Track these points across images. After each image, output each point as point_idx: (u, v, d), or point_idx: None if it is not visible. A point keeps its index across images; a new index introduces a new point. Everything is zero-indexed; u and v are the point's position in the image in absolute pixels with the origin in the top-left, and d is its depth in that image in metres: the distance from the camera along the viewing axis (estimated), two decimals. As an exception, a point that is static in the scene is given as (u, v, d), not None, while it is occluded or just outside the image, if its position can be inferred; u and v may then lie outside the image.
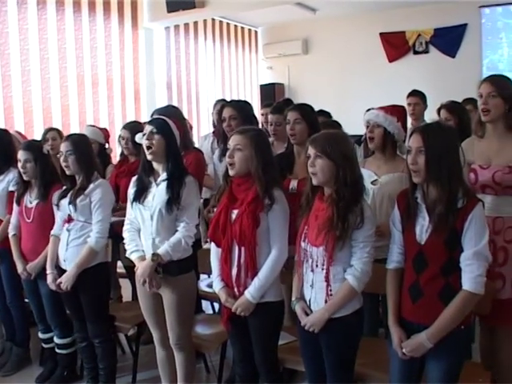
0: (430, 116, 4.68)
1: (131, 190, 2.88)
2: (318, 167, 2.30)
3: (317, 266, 2.33)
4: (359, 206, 2.28)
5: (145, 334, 3.58)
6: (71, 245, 3.18)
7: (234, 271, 2.55)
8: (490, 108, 2.69)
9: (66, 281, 3.12)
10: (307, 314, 2.38)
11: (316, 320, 2.33)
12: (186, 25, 8.28)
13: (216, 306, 4.01)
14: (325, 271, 2.31)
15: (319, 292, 2.36)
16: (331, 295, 2.32)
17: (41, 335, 3.67)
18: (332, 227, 2.25)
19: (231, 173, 2.56)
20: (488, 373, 2.66)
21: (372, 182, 3.02)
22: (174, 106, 4.16)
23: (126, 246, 2.90)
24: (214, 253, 2.68)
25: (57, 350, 3.56)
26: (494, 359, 2.86)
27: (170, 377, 3.05)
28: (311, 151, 2.33)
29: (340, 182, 2.28)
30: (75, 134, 3.35)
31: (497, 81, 2.74)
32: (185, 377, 2.96)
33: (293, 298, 2.47)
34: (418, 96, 4.91)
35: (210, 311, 4.17)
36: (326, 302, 2.33)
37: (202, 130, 8.19)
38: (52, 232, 3.30)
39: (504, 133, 2.72)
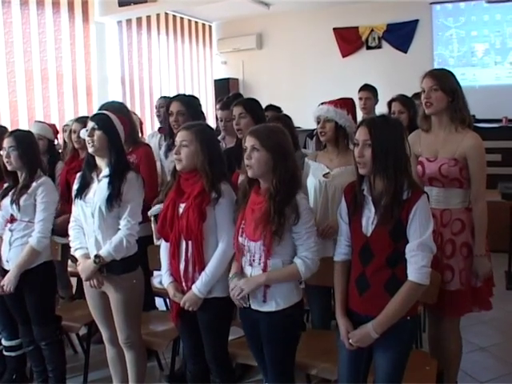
0: (381, 110, 4.73)
1: (74, 187, 2.83)
2: (254, 160, 2.30)
3: (254, 260, 2.35)
4: (294, 201, 2.29)
5: (97, 332, 3.51)
6: (14, 244, 3.10)
7: (182, 266, 2.53)
8: (432, 101, 2.74)
9: (8, 283, 3.02)
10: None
11: (250, 282, 2.34)
12: (139, 19, 8.17)
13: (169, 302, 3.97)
14: (262, 265, 2.33)
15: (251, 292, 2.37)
16: (268, 287, 2.34)
17: (-13, 338, 3.56)
18: (268, 222, 2.26)
19: (178, 167, 2.53)
20: (435, 361, 2.72)
21: (324, 175, 3.03)
22: (119, 102, 4.08)
23: (71, 244, 2.86)
24: (164, 248, 2.66)
25: (5, 353, 3.46)
26: (442, 347, 2.92)
27: (121, 375, 3.01)
28: (248, 143, 2.33)
29: (277, 175, 2.29)
30: (19, 130, 3.26)
31: (438, 75, 2.78)
32: (136, 375, 2.92)
33: (231, 273, 2.45)
34: (369, 90, 4.96)
35: (164, 308, 4.13)
36: (264, 295, 2.35)
37: (155, 125, 8.09)
38: None
39: (449, 125, 2.76)
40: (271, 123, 2.68)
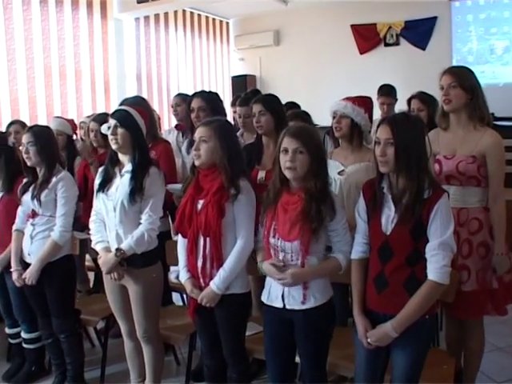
0: (400, 107, 4.69)
1: (96, 181, 2.85)
2: (299, 162, 2.27)
3: (292, 260, 2.33)
4: (330, 198, 2.30)
5: (115, 326, 3.54)
6: (36, 238, 3.14)
7: (200, 262, 2.53)
8: (451, 98, 2.71)
9: (30, 276, 3.08)
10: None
11: (295, 274, 2.30)
12: (157, 16, 8.22)
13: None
14: (300, 264, 2.31)
15: (293, 286, 2.35)
16: (307, 288, 2.33)
17: (8, 330, 3.61)
18: (308, 220, 2.25)
19: (197, 163, 2.53)
20: (453, 360, 2.70)
21: (339, 173, 3.03)
22: (140, 97, 4.10)
23: (92, 237, 2.88)
24: (181, 243, 2.66)
25: (24, 345, 3.51)
26: (464, 346, 2.91)
27: (139, 369, 3.03)
28: (290, 146, 2.29)
29: (318, 177, 2.29)
30: (37, 126, 3.30)
31: (457, 72, 2.76)
32: (153, 369, 2.94)
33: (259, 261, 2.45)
34: (390, 96, 4.81)
35: (180, 303, 4.15)
36: (303, 296, 2.33)
37: (172, 122, 8.14)
38: (14, 227, 3.26)
39: (467, 123, 2.74)
40: (304, 124, 2.67)
